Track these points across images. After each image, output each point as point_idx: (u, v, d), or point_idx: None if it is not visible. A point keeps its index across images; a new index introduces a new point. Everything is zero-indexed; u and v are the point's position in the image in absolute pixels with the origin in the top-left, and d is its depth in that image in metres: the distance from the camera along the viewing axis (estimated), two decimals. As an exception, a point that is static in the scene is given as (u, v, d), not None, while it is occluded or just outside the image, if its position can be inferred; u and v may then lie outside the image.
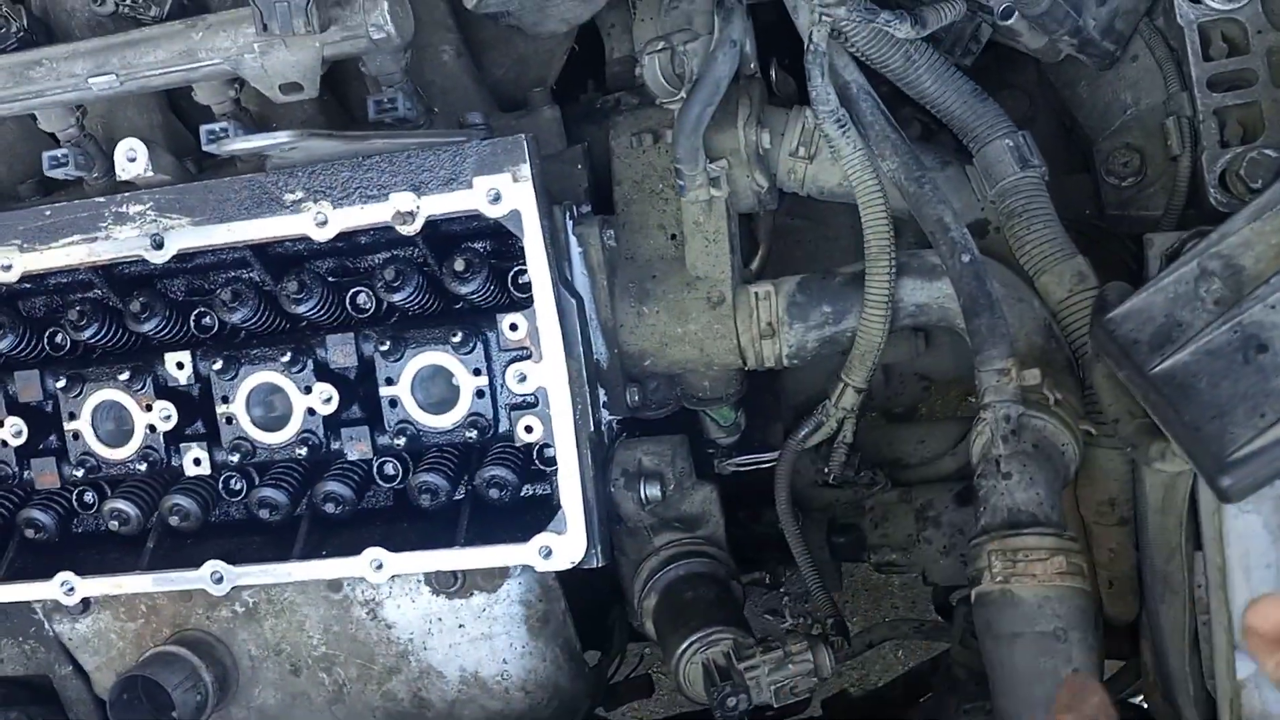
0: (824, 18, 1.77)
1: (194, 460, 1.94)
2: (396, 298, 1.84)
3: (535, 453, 1.89)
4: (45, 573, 1.94)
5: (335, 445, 1.92)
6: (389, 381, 1.88)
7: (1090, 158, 2.05)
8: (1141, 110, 1.96)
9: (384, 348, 1.86)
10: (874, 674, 3.87)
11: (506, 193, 1.74)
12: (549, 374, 1.78)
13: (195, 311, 1.99)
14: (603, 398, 1.96)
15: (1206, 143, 1.80)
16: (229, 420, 1.93)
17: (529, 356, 1.81)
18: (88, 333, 1.94)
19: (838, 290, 1.91)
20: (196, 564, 1.89)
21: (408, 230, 1.76)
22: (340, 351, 1.89)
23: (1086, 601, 1.56)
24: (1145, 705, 1.96)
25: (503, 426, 1.88)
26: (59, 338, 2.03)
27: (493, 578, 1.97)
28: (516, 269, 1.86)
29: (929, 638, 2.28)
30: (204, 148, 1.82)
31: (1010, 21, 1.84)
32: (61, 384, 1.95)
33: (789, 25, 1.86)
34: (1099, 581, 1.81)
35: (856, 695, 2.93)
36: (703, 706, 1.91)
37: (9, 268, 1.88)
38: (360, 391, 1.92)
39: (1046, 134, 2.19)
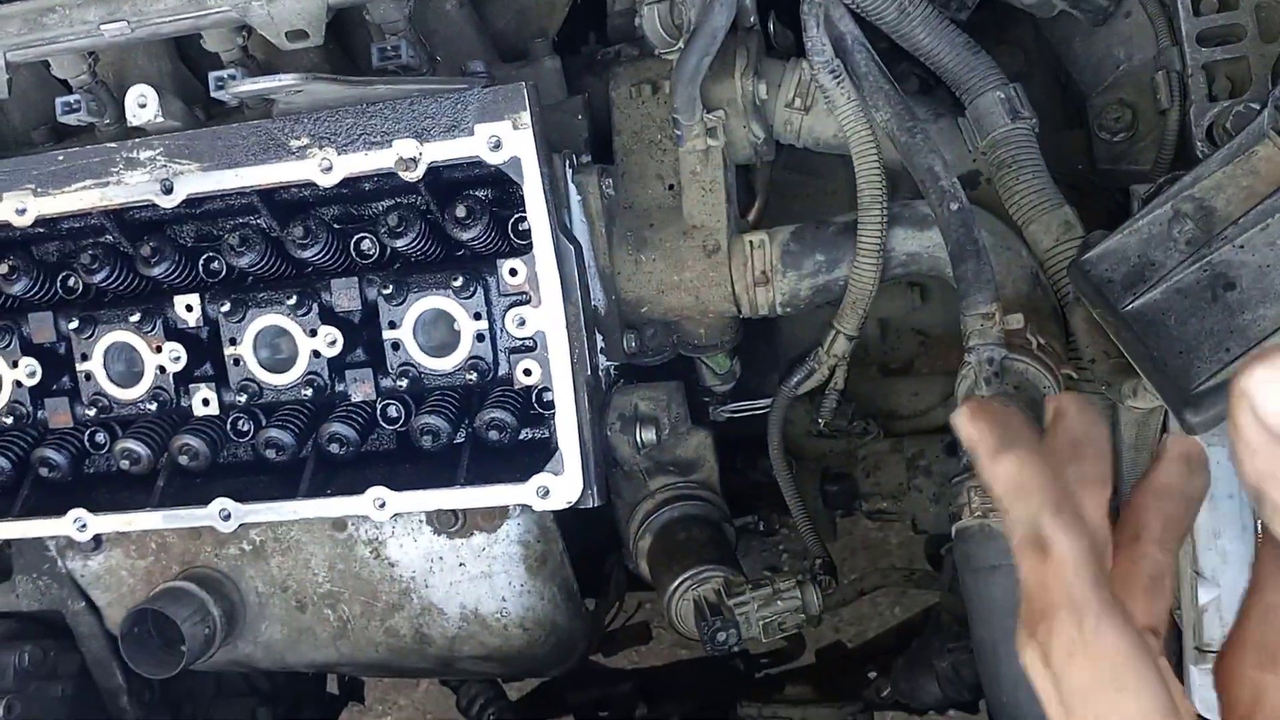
0: (820, -32, 1.79)
1: (203, 401, 1.99)
2: (399, 243, 1.88)
3: (534, 397, 1.93)
4: (59, 510, 1.99)
5: (340, 387, 1.96)
6: (392, 325, 1.92)
7: (1084, 113, 2.07)
8: (1134, 66, 1.97)
9: (387, 292, 1.90)
10: (870, 630, 3.92)
11: (507, 139, 1.77)
12: (547, 318, 1.82)
13: (204, 256, 2.02)
14: (600, 343, 2.00)
15: (1195, 97, 1.80)
16: (237, 362, 1.98)
17: (528, 301, 1.84)
18: (99, 276, 1.98)
19: (831, 239, 1.94)
20: (205, 502, 1.94)
21: (410, 176, 1.80)
22: (344, 295, 1.93)
23: (1063, 537, 1.60)
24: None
25: (502, 370, 1.92)
26: (71, 281, 2.07)
27: (492, 518, 2.02)
28: (516, 216, 1.89)
29: (919, 585, 2.34)
30: (212, 93, 1.85)
31: (1005, -24, 1.86)
32: (74, 325, 2.00)
33: (787, -22, 1.89)
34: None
35: (851, 646, 3.00)
36: (698, 654, 1.96)
37: (23, 211, 1.92)
38: (364, 335, 1.96)
39: (1041, 90, 2.20)
